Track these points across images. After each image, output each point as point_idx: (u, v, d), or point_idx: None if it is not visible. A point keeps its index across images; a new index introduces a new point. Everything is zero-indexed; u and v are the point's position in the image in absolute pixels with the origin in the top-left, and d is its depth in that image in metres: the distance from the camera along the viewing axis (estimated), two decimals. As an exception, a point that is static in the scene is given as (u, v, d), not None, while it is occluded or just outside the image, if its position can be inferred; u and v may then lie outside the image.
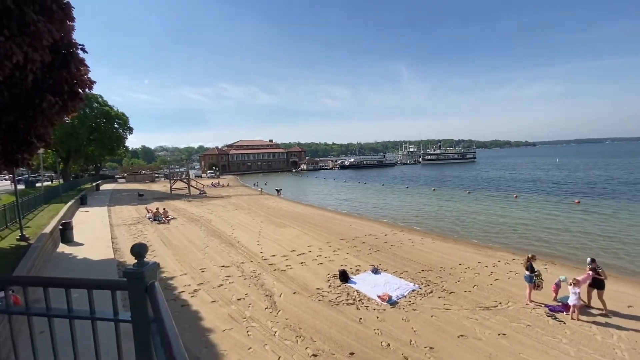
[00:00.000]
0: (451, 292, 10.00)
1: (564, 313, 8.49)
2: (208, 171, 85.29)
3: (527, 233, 18.75)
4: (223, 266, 12.64)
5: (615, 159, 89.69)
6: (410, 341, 7.33)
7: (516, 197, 31.84)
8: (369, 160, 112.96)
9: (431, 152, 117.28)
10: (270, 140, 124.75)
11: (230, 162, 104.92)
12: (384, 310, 8.89)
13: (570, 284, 8.32)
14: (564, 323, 8.09)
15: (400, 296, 9.73)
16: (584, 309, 8.66)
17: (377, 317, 8.46)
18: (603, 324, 8.05)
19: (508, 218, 22.87)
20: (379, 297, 9.53)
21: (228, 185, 57.04)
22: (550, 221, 21.36)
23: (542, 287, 9.12)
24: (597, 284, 8.59)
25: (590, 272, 8.59)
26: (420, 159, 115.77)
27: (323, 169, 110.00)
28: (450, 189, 42.11)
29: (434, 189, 41.50)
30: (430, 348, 7.07)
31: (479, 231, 19.70)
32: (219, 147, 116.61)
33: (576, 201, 27.60)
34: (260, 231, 19.00)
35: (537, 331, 7.75)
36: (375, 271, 11.73)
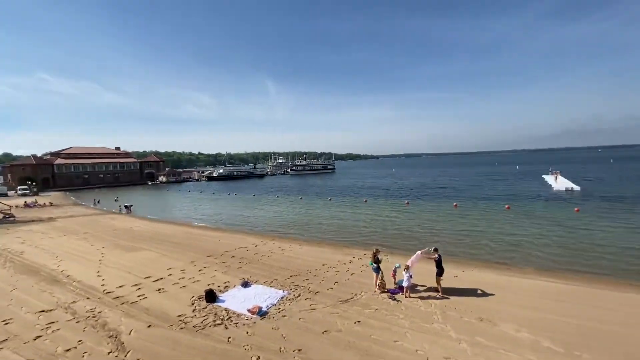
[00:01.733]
0: (317, 292, 10.77)
1: (400, 294, 10.46)
2: (19, 187, 63.80)
3: (375, 230, 22.38)
4: (42, 311, 9.62)
5: (428, 169, 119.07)
6: (280, 348, 7.43)
7: (365, 201, 37.67)
8: (240, 171, 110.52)
9: (298, 164, 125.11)
10: (117, 148, 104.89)
11: (57, 175, 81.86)
12: (255, 323, 8.72)
13: (404, 270, 10.36)
14: (401, 302, 9.97)
15: (270, 305, 9.77)
16: (413, 287, 10.93)
17: (247, 332, 8.21)
18: (426, 297, 10.33)
19: (360, 218, 26.72)
20: (249, 311, 9.29)
21: (51, 204, 44.23)
22: (390, 219, 26.23)
23: (384, 283, 10.83)
24: (439, 270, 10.55)
25: (436, 256, 10.53)
26: (289, 170, 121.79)
27: (188, 180, 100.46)
28: (315, 196, 45.91)
29: (301, 198, 44.31)
30: (299, 350, 7.35)
31: (339, 232, 22.18)
32: (39, 155, 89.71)
33: (406, 202, 34.97)
34: (102, 259, 15.55)
35: (383, 313, 9.24)
36: (246, 284, 11.42)
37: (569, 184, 41.48)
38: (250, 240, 19.25)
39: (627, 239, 17.53)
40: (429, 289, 10.87)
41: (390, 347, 7.42)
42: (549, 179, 51.96)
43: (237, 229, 25.08)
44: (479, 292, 10.67)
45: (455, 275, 12.22)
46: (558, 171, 56.58)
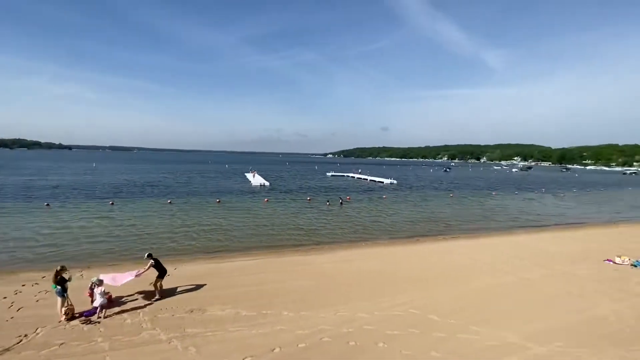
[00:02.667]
0: None
1: (97, 314, 8.66)
2: None
3: (64, 243, 17.19)
4: None
5: (140, 165, 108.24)
6: None
7: (48, 205, 28.04)
8: None
9: None
10: None
11: None
12: None
13: (97, 285, 8.81)
14: (99, 323, 8.32)
15: None
16: (118, 300, 9.51)
17: None
18: (133, 308, 9.27)
19: (38, 231, 19.50)
20: None
21: None
22: (86, 226, 21.19)
23: (72, 308, 8.62)
24: (160, 273, 10.06)
25: (152, 262, 9.95)
26: None
27: None
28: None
29: None
30: None
31: (-6, 255, 14.96)
32: None
33: (110, 202, 29.78)
34: None
35: (72, 345, 7.28)
36: None
37: (262, 181, 53.27)
38: None
39: (288, 219, 25.09)
40: (143, 296, 9.96)
41: (82, 384, 5.98)
42: (249, 176, 63.88)
43: None
44: (191, 285, 11.12)
45: (168, 274, 11.95)
46: (255, 170, 70.99)
